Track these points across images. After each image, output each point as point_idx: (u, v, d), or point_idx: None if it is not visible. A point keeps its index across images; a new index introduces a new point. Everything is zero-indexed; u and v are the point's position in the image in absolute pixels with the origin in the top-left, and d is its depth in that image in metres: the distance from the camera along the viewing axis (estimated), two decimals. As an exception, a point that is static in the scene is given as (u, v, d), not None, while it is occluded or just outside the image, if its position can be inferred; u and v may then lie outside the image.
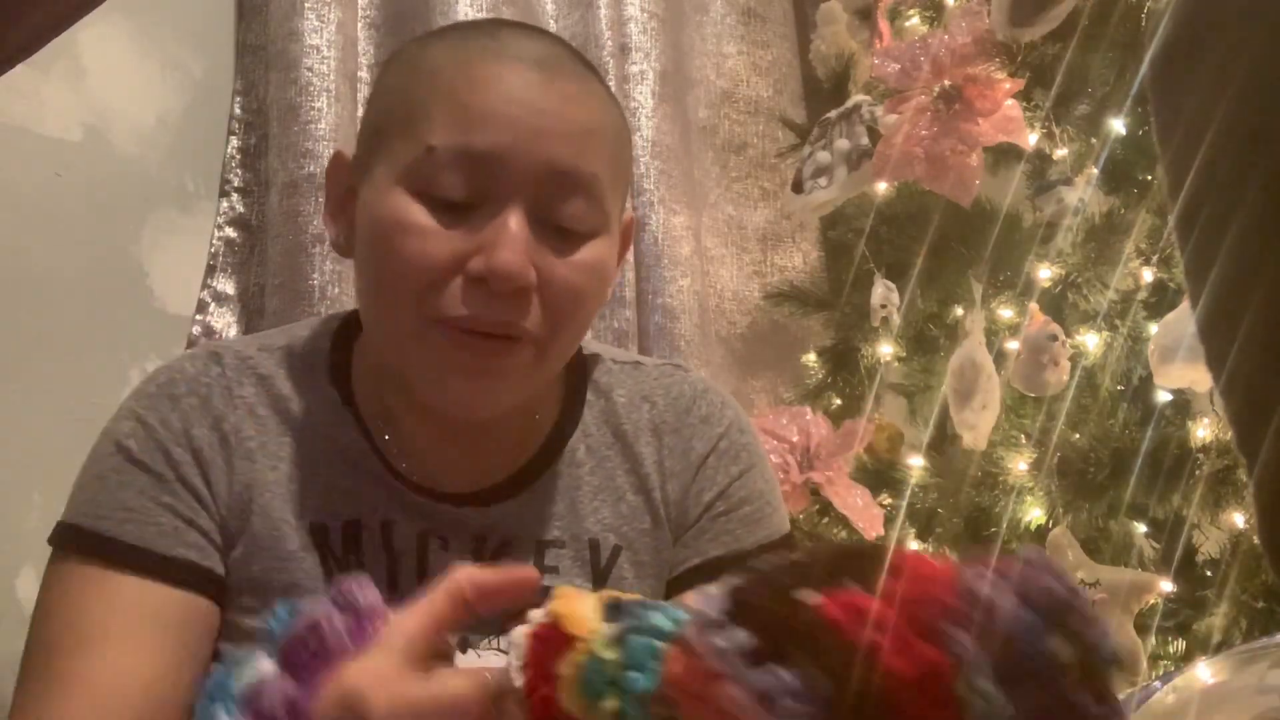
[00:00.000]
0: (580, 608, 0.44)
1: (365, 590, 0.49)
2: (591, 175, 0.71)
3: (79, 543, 0.74)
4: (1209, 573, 1.27)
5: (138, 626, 0.71)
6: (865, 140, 1.52)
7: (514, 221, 0.69)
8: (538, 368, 0.74)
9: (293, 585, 0.75)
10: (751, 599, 0.38)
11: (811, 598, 0.36)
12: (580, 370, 0.84)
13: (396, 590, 0.77)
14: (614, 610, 0.44)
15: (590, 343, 0.86)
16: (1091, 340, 1.38)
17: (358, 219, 0.75)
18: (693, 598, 0.39)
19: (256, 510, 0.76)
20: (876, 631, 0.35)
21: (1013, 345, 1.38)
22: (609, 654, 0.42)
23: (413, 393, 0.76)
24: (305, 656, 0.47)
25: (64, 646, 0.70)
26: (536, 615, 0.47)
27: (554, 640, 0.44)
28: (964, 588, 0.36)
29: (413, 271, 0.69)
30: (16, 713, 0.70)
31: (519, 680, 0.45)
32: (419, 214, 0.70)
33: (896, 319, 1.53)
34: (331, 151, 1.47)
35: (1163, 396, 1.31)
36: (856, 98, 1.59)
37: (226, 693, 0.48)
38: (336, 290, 1.41)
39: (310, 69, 1.46)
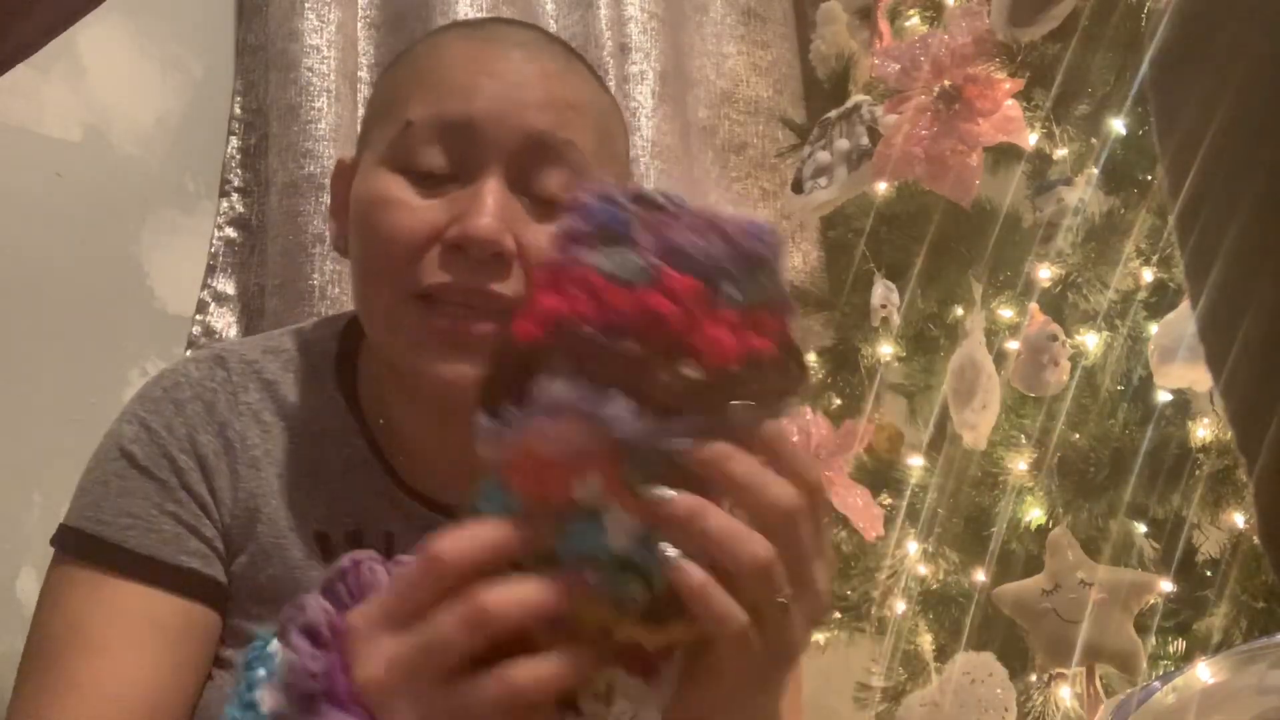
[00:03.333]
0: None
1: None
2: (569, 144, 0.71)
3: (80, 547, 0.73)
4: (1209, 573, 1.27)
5: (138, 633, 0.71)
6: (865, 140, 1.52)
7: (490, 188, 0.69)
8: None
9: (301, 594, 0.75)
10: (486, 394, 0.46)
11: (506, 345, 0.47)
12: None
13: None
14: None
15: None
16: (1091, 340, 1.37)
17: (350, 211, 0.75)
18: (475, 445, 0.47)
19: (263, 519, 0.75)
20: (546, 311, 0.45)
21: (1013, 345, 1.37)
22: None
23: (408, 387, 0.75)
24: (342, 590, 0.49)
25: (63, 651, 0.70)
26: None
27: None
28: (555, 243, 0.47)
29: (392, 244, 0.70)
30: (14, 714, 0.70)
31: None
32: (399, 188, 0.70)
33: (896, 319, 1.52)
34: (332, 151, 1.49)
35: (1163, 396, 1.31)
36: (856, 98, 1.59)
37: (263, 658, 0.48)
38: (336, 290, 1.41)
39: (310, 69, 1.46)
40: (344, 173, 0.79)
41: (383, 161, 0.72)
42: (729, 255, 0.45)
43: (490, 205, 0.69)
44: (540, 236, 0.70)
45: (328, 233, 0.80)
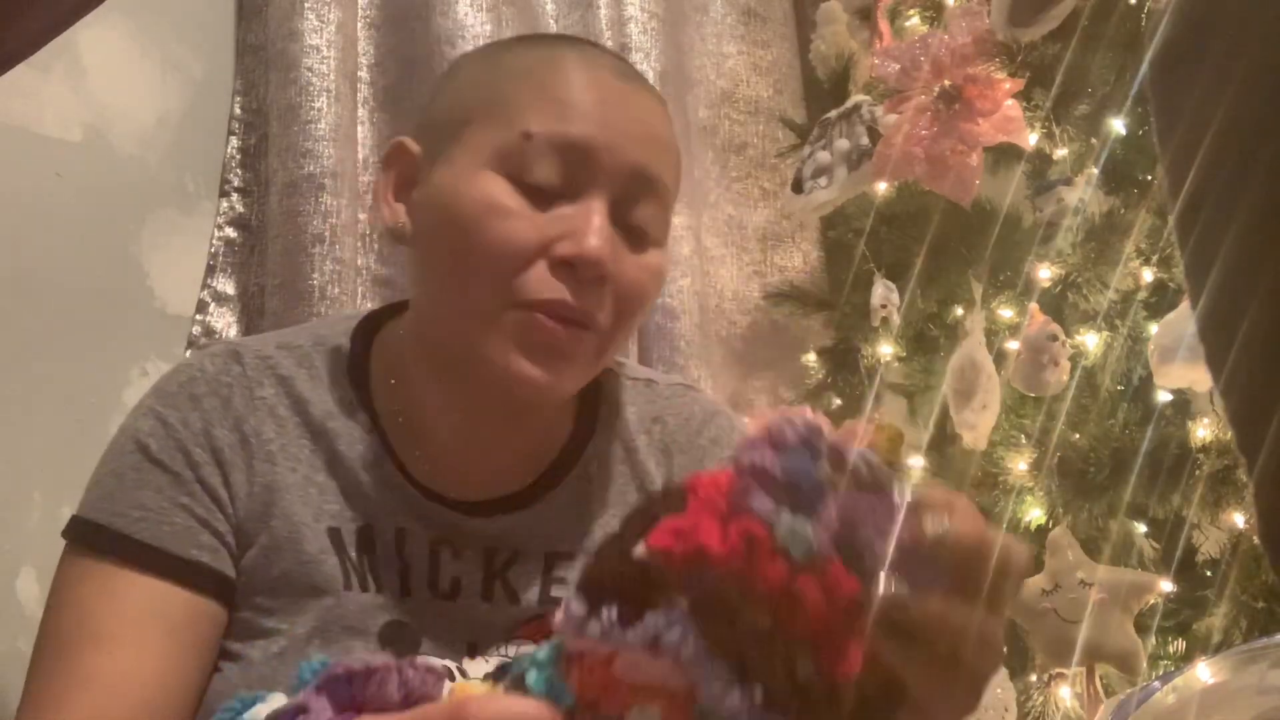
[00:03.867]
0: (475, 687, 0.47)
1: (427, 678, 0.49)
2: (664, 184, 0.75)
3: (93, 539, 0.74)
4: (1209, 573, 1.27)
5: (147, 626, 0.72)
6: (865, 140, 1.52)
7: (600, 211, 0.72)
8: (596, 361, 0.75)
9: (313, 588, 0.75)
10: (596, 581, 0.43)
11: (637, 548, 0.42)
12: (595, 383, 0.84)
13: (409, 597, 0.78)
14: (500, 671, 0.47)
15: None
16: (1091, 340, 1.38)
17: (428, 203, 0.75)
18: (556, 615, 0.44)
19: (277, 513, 0.76)
20: (695, 538, 0.41)
21: (1013, 345, 1.38)
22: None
23: (450, 381, 0.76)
24: (344, 693, 0.48)
25: (74, 643, 0.71)
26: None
27: None
28: (738, 468, 0.43)
29: (499, 251, 0.71)
30: (26, 706, 0.71)
31: None
32: (509, 196, 0.72)
33: (896, 319, 1.53)
34: (332, 151, 1.49)
35: (1163, 396, 1.31)
36: (856, 98, 1.59)
37: None
38: (336, 290, 1.41)
39: (310, 69, 1.46)
40: (404, 157, 0.79)
41: (490, 165, 0.72)
42: (896, 564, 0.43)
43: (600, 227, 0.71)
44: (630, 264, 0.74)
45: (382, 219, 0.80)
